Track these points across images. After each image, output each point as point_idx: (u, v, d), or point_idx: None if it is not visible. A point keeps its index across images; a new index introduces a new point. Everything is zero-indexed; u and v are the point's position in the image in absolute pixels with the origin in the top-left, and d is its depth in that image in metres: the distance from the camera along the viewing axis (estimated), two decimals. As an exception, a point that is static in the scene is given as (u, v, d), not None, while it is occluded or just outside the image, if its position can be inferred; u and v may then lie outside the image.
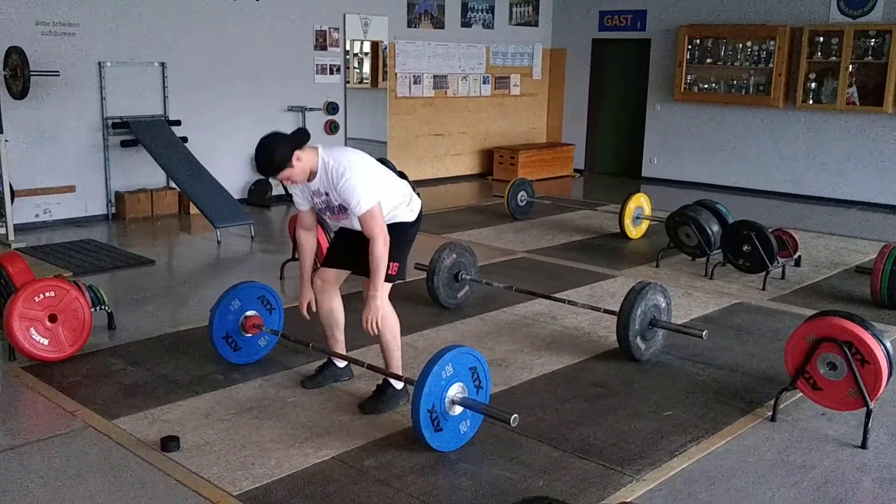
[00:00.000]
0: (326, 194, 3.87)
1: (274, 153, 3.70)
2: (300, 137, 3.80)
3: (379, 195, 3.84)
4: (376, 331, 3.93)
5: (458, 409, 3.65)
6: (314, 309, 4.20)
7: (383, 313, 3.93)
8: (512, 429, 3.69)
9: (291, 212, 9.10)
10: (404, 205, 4.09)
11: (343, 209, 3.87)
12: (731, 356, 4.99)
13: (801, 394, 4.12)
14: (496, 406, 3.78)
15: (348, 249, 4.11)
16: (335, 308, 4.24)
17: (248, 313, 4.59)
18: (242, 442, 3.74)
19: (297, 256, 5.64)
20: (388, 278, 3.93)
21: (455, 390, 3.63)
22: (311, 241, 4.18)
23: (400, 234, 4.03)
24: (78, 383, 4.39)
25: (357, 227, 3.92)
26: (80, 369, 4.58)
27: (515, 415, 3.54)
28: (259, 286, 4.71)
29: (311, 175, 3.84)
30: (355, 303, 4.38)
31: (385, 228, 3.84)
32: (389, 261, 3.88)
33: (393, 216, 4.02)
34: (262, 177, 3.85)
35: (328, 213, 4.01)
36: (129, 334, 5.18)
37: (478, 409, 3.67)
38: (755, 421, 4.09)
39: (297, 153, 3.73)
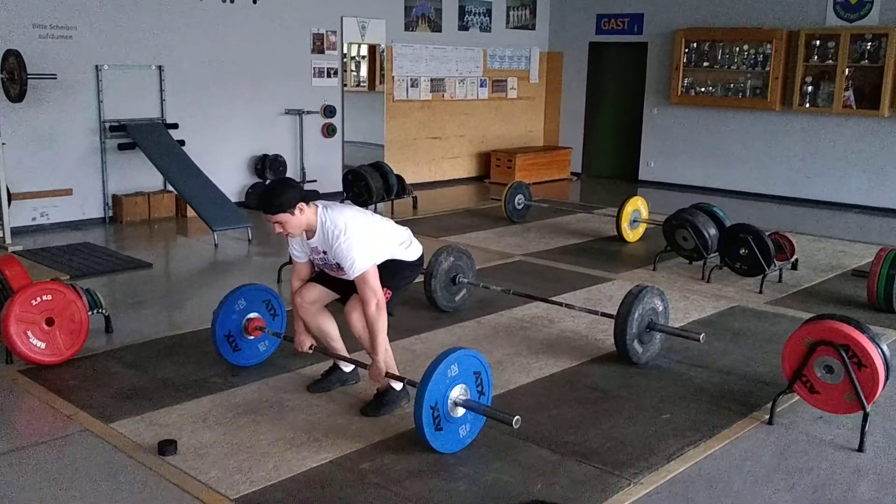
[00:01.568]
0: (324, 252, 3.92)
1: (282, 193, 3.76)
2: (310, 194, 3.90)
3: (374, 258, 3.88)
4: (381, 384, 4.04)
5: (459, 412, 3.66)
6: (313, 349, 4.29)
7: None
8: (511, 432, 3.69)
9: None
10: (403, 249, 4.13)
11: (340, 267, 3.90)
12: (729, 359, 5.00)
13: (798, 397, 4.12)
14: (498, 408, 3.78)
15: (332, 278, 4.16)
16: (322, 327, 4.23)
17: (252, 315, 4.58)
18: (240, 445, 3.74)
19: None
20: (389, 304, 3.99)
21: (458, 391, 3.63)
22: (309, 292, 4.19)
23: (398, 268, 4.09)
24: (75, 387, 4.39)
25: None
26: (77, 373, 4.57)
27: (518, 416, 3.54)
28: (265, 289, 4.71)
29: (311, 233, 3.89)
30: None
31: (381, 291, 3.86)
32: (382, 286, 3.90)
33: (392, 255, 4.07)
34: (261, 211, 3.87)
35: (327, 269, 4.06)
36: (126, 338, 5.17)
37: (480, 411, 3.68)
38: (752, 424, 4.09)
39: (301, 204, 3.78)
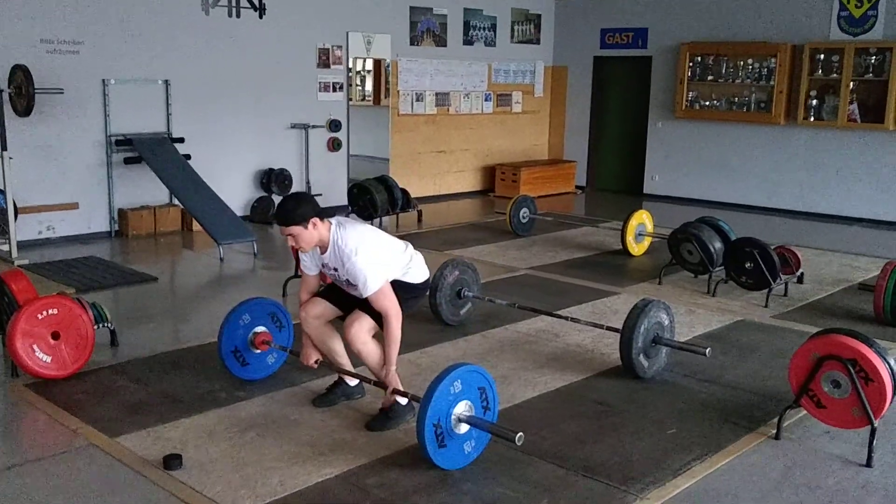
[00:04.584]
0: (336, 269, 3.96)
1: (298, 206, 3.83)
2: (325, 210, 3.92)
3: (385, 275, 3.91)
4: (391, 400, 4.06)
5: (463, 428, 3.64)
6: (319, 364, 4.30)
7: (369, 347, 4.02)
8: (517, 447, 3.68)
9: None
10: (412, 271, 4.16)
11: (352, 284, 3.94)
12: (735, 374, 4.98)
13: (805, 412, 4.11)
14: (502, 424, 3.77)
15: (339, 294, 4.17)
16: (327, 342, 4.24)
17: (258, 329, 4.58)
18: (245, 460, 3.74)
19: (300, 273, 5.66)
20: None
21: (462, 408, 3.62)
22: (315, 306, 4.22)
23: (406, 290, 4.11)
24: (80, 401, 4.39)
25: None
26: (82, 387, 4.57)
27: (521, 433, 3.53)
28: (270, 302, 4.71)
29: (324, 248, 3.93)
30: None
31: (396, 303, 3.90)
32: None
33: (401, 277, 4.11)
34: (277, 223, 3.92)
35: (339, 284, 4.09)
36: (131, 351, 5.17)
37: (483, 427, 3.66)
38: (759, 439, 4.08)
39: (315, 219, 3.83)
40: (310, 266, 4.13)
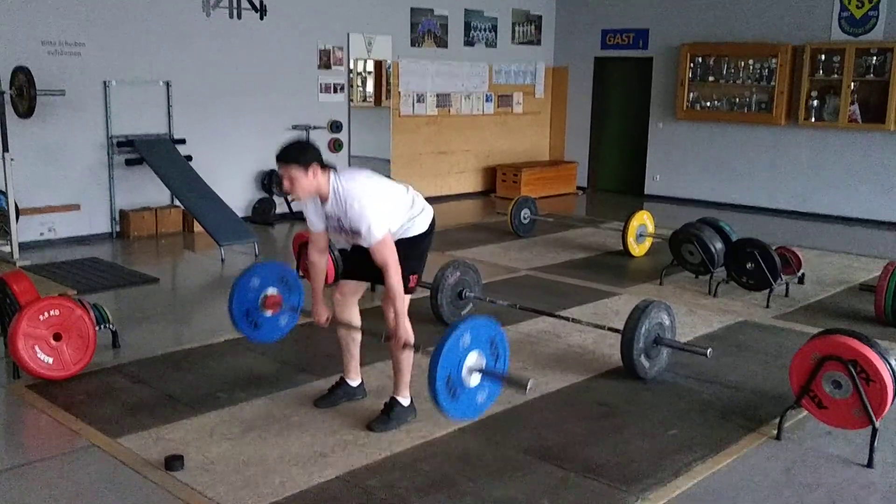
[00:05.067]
0: (338, 219, 3.91)
1: (303, 149, 3.82)
2: (326, 161, 3.88)
3: (388, 223, 3.88)
4: (403, 352, 3.99)
5: (475, 380, 3.62)
6: (329, 322, 4.24)
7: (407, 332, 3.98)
8: (518, 447, 3.67)
9: (295, 230, 9.13)
10: (416, 216, 4.12)
11: (356, 233, 3.89)
12: (736, 374, 4.98)
13: (806, 412, 4.11)
14: (512, 374, 3.72)
15: (363, 260, 4.08)
16: (353, 322, 4.25)
17: (269, 291, 4.54)
18: (247, 461, 3.74)
19: (301, 273, 5.66)
20: (407, 290, 3.98)
21: (473, 359, 3.59)
22: (323, 262, 4.22)
23: (414, 246, 4.08)
24: (82, 402, 4.39)
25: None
26: (84, 388, 4.58)
27: (532, 380, 3.52)
28: (278, 265, 4.68)
29: (324, 198, 3.89)
30: (370, 321, 4.37)
31: (396, 256, 3.85)
32: (409, 273, 3.94)
33: (405, 229, 4.06)
34: (277, 160, 3.87)
35: (343, 235, 4.04)
36: (133, 352, 5.18)
37: (494, 376, 3.63)
38: (760, 439, 4.08)
39: (316, 165, 3.79)
40: (315, 221, 4.05)
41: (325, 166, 3.85)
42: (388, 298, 3.97)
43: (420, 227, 4.13)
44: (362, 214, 3.77)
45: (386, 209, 3.89)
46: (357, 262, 4.19)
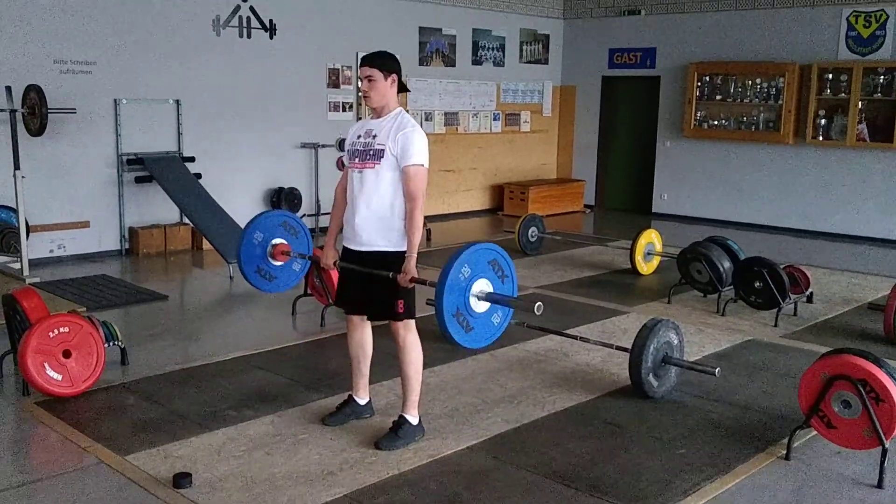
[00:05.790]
0: (375, 136, 3.98)
1: (388, 57, 4.01)
2: (405, 83, 4.11)
3: (427, 164, 3.98)
4: (410, 285, 3.93)
5: (484, 306, 3.58)
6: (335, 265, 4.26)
7: (411, 344, 4.01)
8: (525, 466, 3.66)
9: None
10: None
11: (377, 155, 3.94)
12: (745, 394, 4.97)
13: (815, 432, 4.09)
14: (520, 297, 3.70)
15: (356, 291, 4.11)
16: (365, 340, 4.27)
17: (275, 241, 4.53)
18: (255, 479, 3.74)
19: (310, 291, 5.66)
20: (405, 314, 3.98)
21: (479, 286, 3.56)
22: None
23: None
24: (91, 419, 4.40)
25: (370, 190, 3.96)
26: (92, 405, 4.59)
27: (540, 303, 3.52)
28: (278, 214, 4.67)
29: (379, 113, 4.03)
30: (380, 339, 4.38)
31: (424, 193, 3.93)
32: (396, 300, 3.92)
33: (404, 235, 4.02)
34: (362, 62, 4.01)
35: (358, 159, 4.03)
36: (141, 370, 5.19)
37: (502, 303, 3.61)
38: (769, 459, 4.06)
39: (395, 77, 3.98)
40: (351, 149, 4.13)
41: (403, 88, 4.05)
42: (395, 325, 3.99)
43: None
44: (413, 139, 3.92)
45: (427, 158, 4.00)
46: (351, 294, 4.17)
